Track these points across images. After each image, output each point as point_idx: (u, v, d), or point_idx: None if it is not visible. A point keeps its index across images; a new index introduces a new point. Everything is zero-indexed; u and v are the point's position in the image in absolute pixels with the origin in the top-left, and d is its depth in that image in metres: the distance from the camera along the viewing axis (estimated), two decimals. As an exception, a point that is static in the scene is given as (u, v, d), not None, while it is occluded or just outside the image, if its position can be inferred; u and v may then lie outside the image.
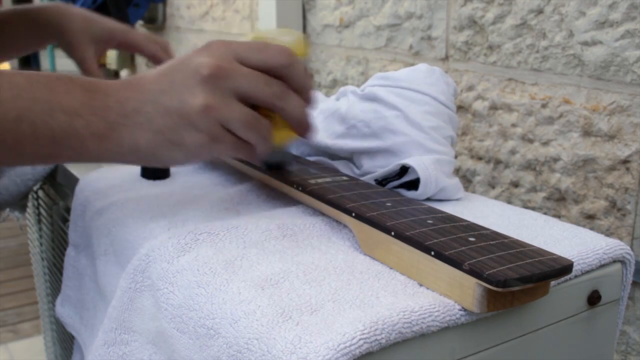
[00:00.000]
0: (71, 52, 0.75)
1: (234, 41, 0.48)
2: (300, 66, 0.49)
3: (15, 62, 3.31)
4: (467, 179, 0.88)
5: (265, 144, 0.49)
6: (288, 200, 0.57)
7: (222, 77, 0.46)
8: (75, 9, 0.76)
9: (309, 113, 0.50)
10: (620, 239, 0.70)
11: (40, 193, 0.89)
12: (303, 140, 0.54)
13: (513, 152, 0.81)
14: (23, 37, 0.76)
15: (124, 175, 0.66)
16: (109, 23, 0.78)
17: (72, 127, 0.45)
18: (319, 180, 0.54)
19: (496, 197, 0.84)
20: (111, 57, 1.82)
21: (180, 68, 0.47)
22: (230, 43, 0.48)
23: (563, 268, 0.40)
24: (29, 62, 3.43)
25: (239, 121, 0.47)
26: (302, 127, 0.50)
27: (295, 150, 0.67)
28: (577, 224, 0.74)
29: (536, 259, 0.40)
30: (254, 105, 0.48)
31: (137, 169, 0.67)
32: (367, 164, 0.60)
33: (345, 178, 0.56)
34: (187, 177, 0.66)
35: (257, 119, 0.48)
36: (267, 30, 0.54)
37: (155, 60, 0.78)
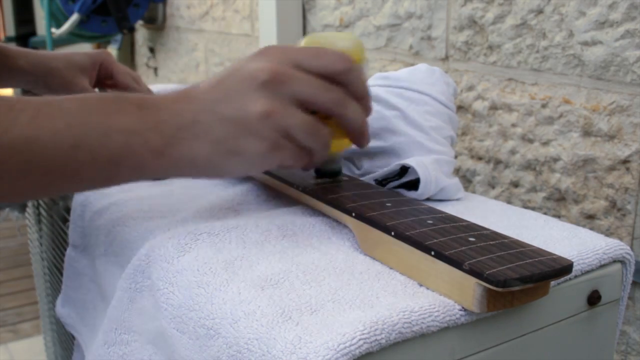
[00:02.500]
0: (69, 89, 0.73)
1: (289, 46, 0.47)
2: (358, 72, 0.47)
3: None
4: (467, 179, 0.88)
5: (324, 152, 0.47)
6: (288, 200, 0.57)
7: (281, 83, 0.45)
8: (44, 52, 0.75)
9: (366, 121, 0.49)
10: (620, 239, 0.70)
11: (40, 193, 0.88)
12: (355, 149, 0.53)
13: (513, 152, 0.81)
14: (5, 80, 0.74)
15: (124, 175, 0.66)
16: (83, 52, 0.77)
17: (129, 146, 0.44)
18: (319, 180, 0.54)
19: (496, 197, 0.84)
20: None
21: (234, 75, 0.46)
22: (286, 48, 0.47)
23: (563, 268, 0.40)
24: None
25: (299, 127, 0.45)
26: (360, 135, 0.49)
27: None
28: (577, 224, 0.74)
29: (536, 259, 0.40)
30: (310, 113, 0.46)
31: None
32: (367, 164, 0.60)
33: (345, 178, 0.56)
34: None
35: (317, 126, 0.46)
36: (323, 35, 0.53)
37: (126, 90, 0.76)
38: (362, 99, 0.48)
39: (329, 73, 0.46)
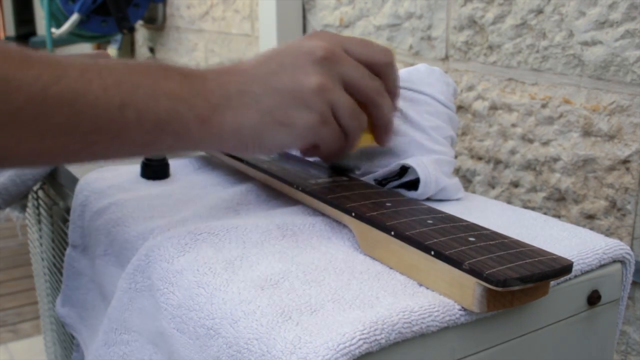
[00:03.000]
0: None
1: (337, 34, 0.48)
2: (396, 69, 0.49)
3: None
4: (467, 179, 0.88)
5: (357, 140, 0.48)
6: (288, 200, 0.57)
7: (335, 61, 0.46)
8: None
9: (393, 120, 0.50)
10: (620, 239, 0.70)
11: (40, 193, 0.89)
12: (377, 147, 0.54)
13: (513, 152, 0.81)
14: None
15: (123, 175, 0.66)
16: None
17: (176, 110, 0.44)
18: (319, 180, 0.54)
19: (496, 197, 0.84)
20: (112, 55, 1.82)
21: (289, 51, 0.47)
22: (335, 34, 0.48)
23: (563, 268, 0.40)
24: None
25: (346, 107, 0.46)
26: (386, 131, 0.50)
27: (295, 151, 0.67)
28: (577, 224, 0.74)
29: (536, 259, 0.40)
30: None
31: (137, 169, 0.67)
32: (367, 164, 0.60)
33: (345, 178, 0.56)
34: (187, 177, 0.66)
35: (359, 109, 0.47)
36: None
37: None
38: (395, 95, 0.50)
39: (374, 62, 0.48)
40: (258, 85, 0.46)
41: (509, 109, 0.81)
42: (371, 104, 0.48)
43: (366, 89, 0.47)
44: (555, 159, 0.76)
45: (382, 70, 0.48)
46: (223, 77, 0.46)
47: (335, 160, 0.52)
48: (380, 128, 0.50)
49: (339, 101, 0.46)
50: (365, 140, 0.52)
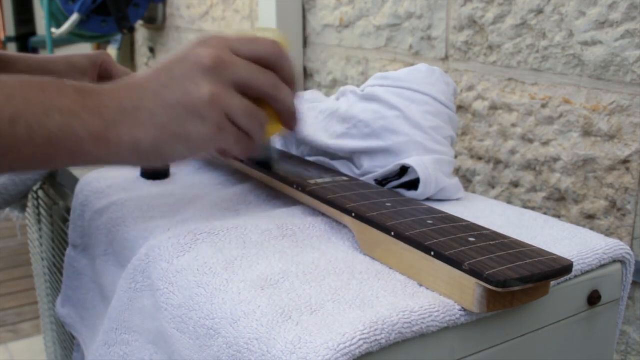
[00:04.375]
0: None
1: (225, 35, 0.49)
2: (289, 58, 0.49)
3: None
4: (467, 179, 0.88)
5: (261, 136, 0.49)
6: (288, 200, 0.57)
7: (224, 67, 0.46)
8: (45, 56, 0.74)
9: (296, 104, 0.51)
10: (620, 239, 0.70)
11: (40, 193, 0.89)
12: (289, 134, 0.54)
13: (513, 152, 0.81)
14: None
15: (124, 175, 0.66)
16: (82, 53, 0.76)
17: (69, 126, 0.43)
18: (319, 181, 0.54)
19: (496, 197, 0.84)
20: (112, 55, 1.82)
21: (178, 61, 0.47)
22: (223, 37, 0.48)
23: (563, 268, 0.40)
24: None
25: (241, 110, 0.46)
26: (292, 119, 0.51)
27: (295, 151, 0.67)
28: (577, 224, 0.74)
29: (536, 259, 0.40)
30: None
31: (137, 169, 0.67)
32: (367, 164, 0.60)
33: (345, 178, 0.56)
34: (187, 177, 0.66)
35: (256, 109, 0.48)
36: (246, 30, 0.55)
37: None
38: (292, 83, 0.50)
39: (263, 57, 0.48)
40: (151, 100, 0.46)
41: (509, 109, 0.81)
42: (269, 98, 0.49)
43: (260, 86, 0.48)
44: (555, 159, 0.76)
45: (273, 62, 0.48)
46: (118, 92, 0.46)
47: (252, 156, 0.53)
48: (285, 117, 0.51)
49: (232, 106, 0.46)
50: (274, 129, 0.52)
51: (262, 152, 0.56)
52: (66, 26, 1.61)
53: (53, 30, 1.67)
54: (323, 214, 0.52)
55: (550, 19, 0.74)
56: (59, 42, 1.79)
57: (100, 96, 0.45)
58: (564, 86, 0.74)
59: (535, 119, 0.78)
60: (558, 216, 0.77)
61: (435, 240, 0.42)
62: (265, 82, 0.48)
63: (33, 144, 0.43)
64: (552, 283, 0.44)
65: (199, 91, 0.45)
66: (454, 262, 0.39)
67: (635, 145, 0.68)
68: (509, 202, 0.82)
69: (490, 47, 0.82)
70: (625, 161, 0.69)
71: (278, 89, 0.49)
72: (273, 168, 0.57)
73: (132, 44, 2.02)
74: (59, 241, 0.81)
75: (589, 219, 0.73)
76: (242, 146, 0.49)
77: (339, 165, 0.63)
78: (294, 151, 0.67)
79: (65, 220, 0.76)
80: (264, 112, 0.49)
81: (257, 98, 0.48)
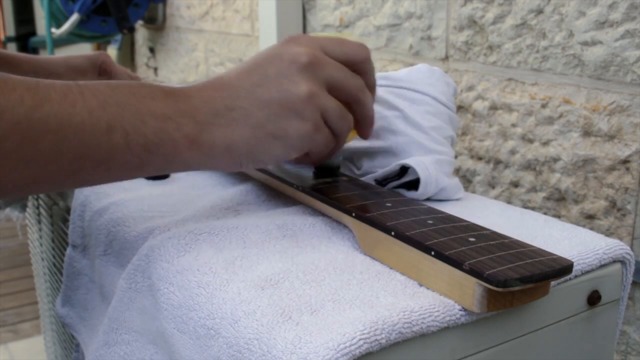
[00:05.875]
0: None
1: (313, 35, 0.48)
2: (372, 63, 0.50)
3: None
4: (467, 179, 0.88)
5: (344, 140, 0.48)
6: (288, 200, 0.57)
7: (319, 66, 0.45)
8: (43, 57, 0.74)
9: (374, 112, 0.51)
10: (620, 239, 0.70)
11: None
12: (359, 140, 0.54)
13: (513, 152, 0.81)
14: None
15: (124, 175, 0.66)
16: (81, 54, 0.76)
17: (164, 131, 0.41)
18: (319, 180, 0.54)
19: (496, 197, 0.84)
20: (111, 57, 1.82)
21: (270, 60, 0.46)
22: (311, 36, 0.48)
23: (563, 268, 0.40)
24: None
25: (336, 111, 0.46)
26: (369, 125, 0.50)
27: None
28: (577, 224, 0.74)
29: (536, 259, 0.40)
30: None
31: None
32: (367, 164, 0.60)
33: (345, 178, 0.56)
34: (187, 177, 0.66)
35: (346, 112, 0.47)
36: (326, 34, 0.55)
37: None
38: (374, 89, 0.50)
39: (352, 60, 0.48)
40: (244, 98, 0.44)
41: (509, 109, 0.81)
42: (355, 102, 0.48)
43: (350, 89, 0.47)
44: (555, 159, 0.76)
45: (361, 67, 0.48)
46: (207, 93, 0.44)
47: (323, 162, 0.53)
48: (364, 123, 0.50)
49: (328, 106, 0.46)
50: (350, 137, 0.52)
51: (333, 158, 0.55)
52: (66, 26, 1.61)
53: (53, 30, 1.67)
54: (323, 214, 0.52)
55: (550, 19, 0.74)
56: (59, 42, 1.80)
57: (189, 98, 0.44)
58: (564, 86, 0.74)
59: (535, 119, 0.78)
60: (558, 216, 0.77)
61: (435, 240, 0.42)
62: (355, 85, 0.47)
63: (129, 152, 0.41)
64: (552, 283, 0.44)
65: (297, 89, 0.44)
66: (454, 262, 0.39)
67: (635, 145, 0.68)
68: (509, 202, 0.82)
69: (490, 47, 0.82)
70: (625, 161, 0.69)
71: (365, 93, 0.48)
72: (336, 174, 0.55)
73: (132, 44, 2.02)
74: (59, 241, 0.81)
75: (589, 219, 0.73)
76: (330, 148, 0.48)
77: (339, 165, 0.63)
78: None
79: (65, 220, 0.76)
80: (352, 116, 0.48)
81: (343, 102, 0.48)
